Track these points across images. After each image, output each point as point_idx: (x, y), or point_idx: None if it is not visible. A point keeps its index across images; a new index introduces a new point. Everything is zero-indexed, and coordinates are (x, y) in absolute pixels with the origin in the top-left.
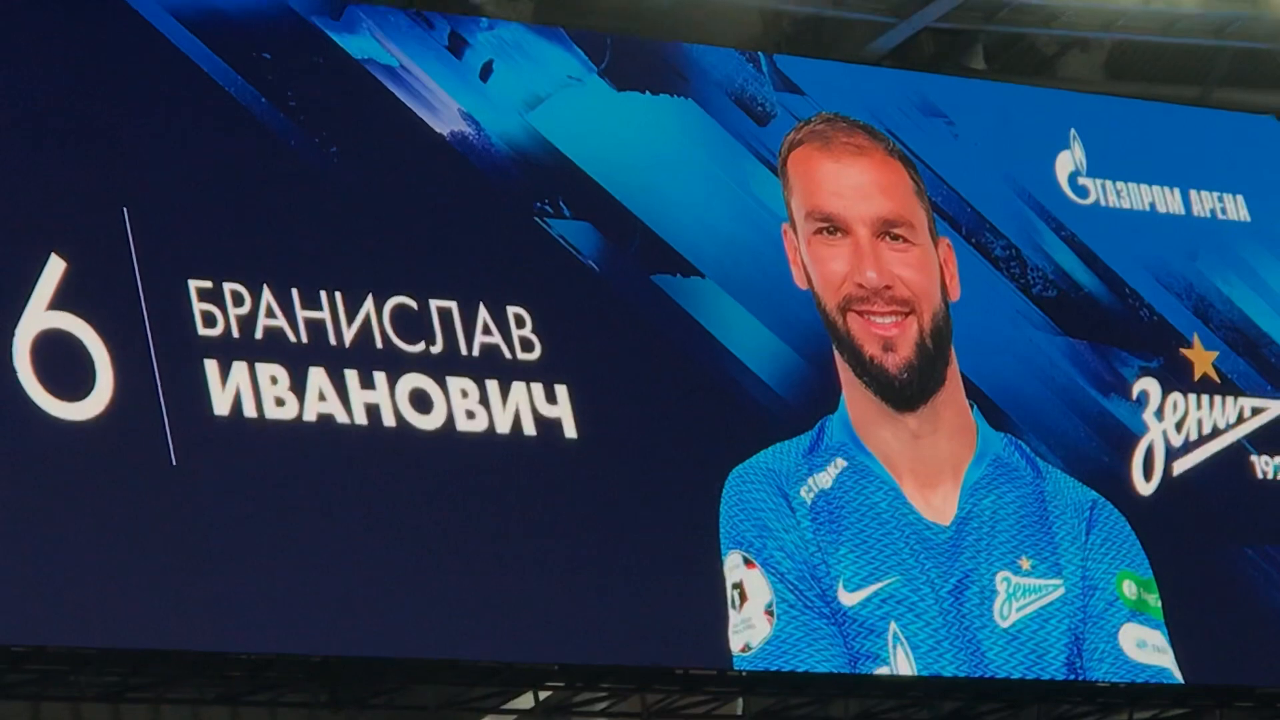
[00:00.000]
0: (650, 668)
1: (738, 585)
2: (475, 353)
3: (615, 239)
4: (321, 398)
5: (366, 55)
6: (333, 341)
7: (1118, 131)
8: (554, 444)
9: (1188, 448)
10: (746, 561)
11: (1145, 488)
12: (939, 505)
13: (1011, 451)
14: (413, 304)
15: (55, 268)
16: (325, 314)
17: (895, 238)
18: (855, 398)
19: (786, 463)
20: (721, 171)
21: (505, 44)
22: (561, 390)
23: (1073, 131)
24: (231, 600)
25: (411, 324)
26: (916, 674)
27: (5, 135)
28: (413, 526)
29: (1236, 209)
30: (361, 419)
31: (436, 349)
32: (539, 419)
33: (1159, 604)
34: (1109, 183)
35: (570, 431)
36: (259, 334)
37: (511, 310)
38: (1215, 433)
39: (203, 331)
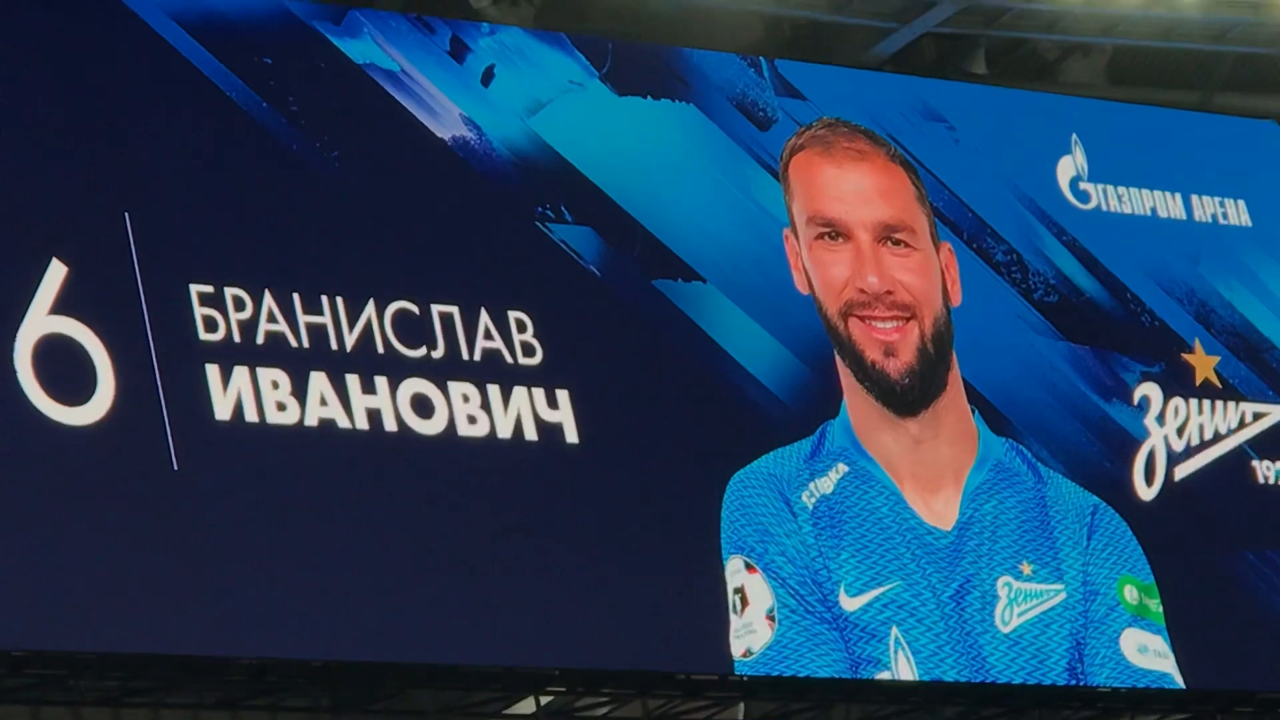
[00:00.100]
0: (651, 673)
1: (739, 590)
2: (477, 357)
3: (616, 244)
4: (323, 402)
5: (368, 60)
6: (334, 346)
7: (1119, 136)
8: (555, 449)
9: (1189, 453)
10: (748, 566)
11: (1147, 493)
12: (940, 510)
13: (1013, 456)
14: (414, 309)
15: (57, 272)
16: (327, 319)
17: (897, 243)
18: (856, 403)
19: (788, 468)
20: (723, 176)
21: (506, 49)
22: (563, 395)
23: (1074, 136)
24: (232, 605)
25: (413, 329)
26: (918, 679)
27: (7, 139)
28: (414, 531)
29: (1238, 214)
30: (363, 424)
31: (438, 354)
32: (540, 424)
33: (1160, 609)
34: (1110, 188)
35: (572, 436)
36: (260, 339)
37: (513, 315)
38: (1217, 438)
39: (204, 336)
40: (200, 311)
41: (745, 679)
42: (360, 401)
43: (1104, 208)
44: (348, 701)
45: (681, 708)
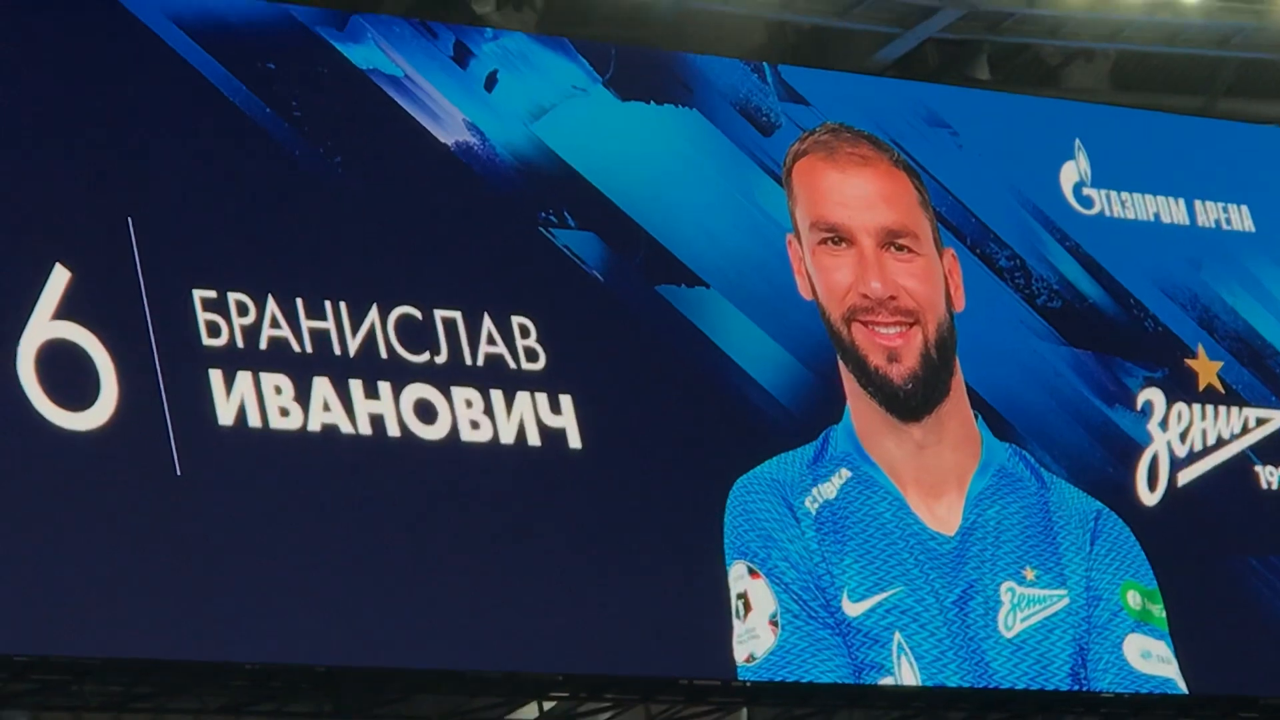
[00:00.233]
0: (654, 678)
1: (742, 595)
2: (480, 363)
3: (620, 249)
4: (326, 408)
5: (371, 65)
6: (337, 351)
7: (1122, 142)
8: (558, 454)
9: (1192, 458)
10: (751, 572)
11: (1150, 498)
12: (943, 515)
13: (1016, 462)
14: (417, 314)
15: (60, 277)
16: (330, 324)
17: (900, 248)
18: (860, 408)
19: (791, 473)
20: (726, 182)
21: (510, 54)
22: (566, 400)
23: (1077, 142)
24: (235, 610)
25: (416, 334)
26: (921, 684)
27: (9, 144)
28: (417, 537)
29: (1241, 219)
30: (366, 429)
31: (441, 359)
32: (543, 429)
33: (1163, 614)
34: (1114, 193)
35: (575, 441)
36: (263, 344)
37: (516, 320)
38: (1220, 443)
39: (207, 341)
40: (203, 316)
41: (748, 684)
42: (363, 407)
43: (1107, 213)
44: (351, 707)
45: (684, 713)
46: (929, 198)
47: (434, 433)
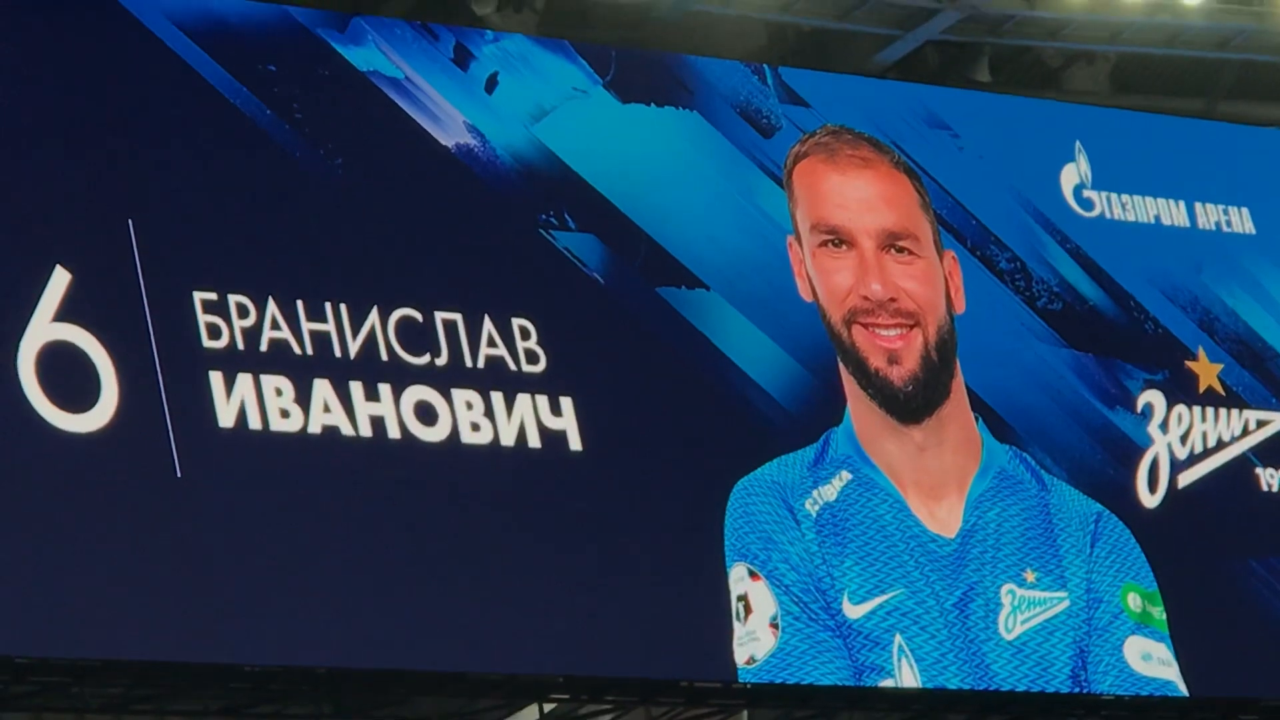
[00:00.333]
0: (655, 680)
1: (742, 598)
2: (480, 365)
3: (620, 251)
4: (326, 410)
5: (371, 67)
6: (337, 353)
7: (1123, 144)
8: (559, 456)
9: (1192, 460)
10: (751, 574)
11: (1150, 500)
12: (944, 518)
13: (1016, 464)
14: (418, 316)
15: (60, 279)
16: (330, 326)
17: (900, 250)
18: (860, 410)
19: (791, 475)
20: (726, 184)
21: (510, 56)
22: (566, 402)
23: (1078, 144)
24: (235, 612)
25: (416, 336)
26: (921, 686)
27: (10, 146)
28: (417, 539)
29: (1241, 222)
30: (366, 431)
31: (441, 361)
32: (544, 431)
33: (1164, 616)
34: (1114, 195)
35: (575, 443)
36: (264, 346)
37: (516, 322)
38: (1220, 445)
39: (207, 343)
40: (204, 318)
41: (749, 686)
42: (364, 409)
43: (1108, 215)
44: (351, 709)
45: (685, 715)
46: (929, 200)
47: (434, 435)
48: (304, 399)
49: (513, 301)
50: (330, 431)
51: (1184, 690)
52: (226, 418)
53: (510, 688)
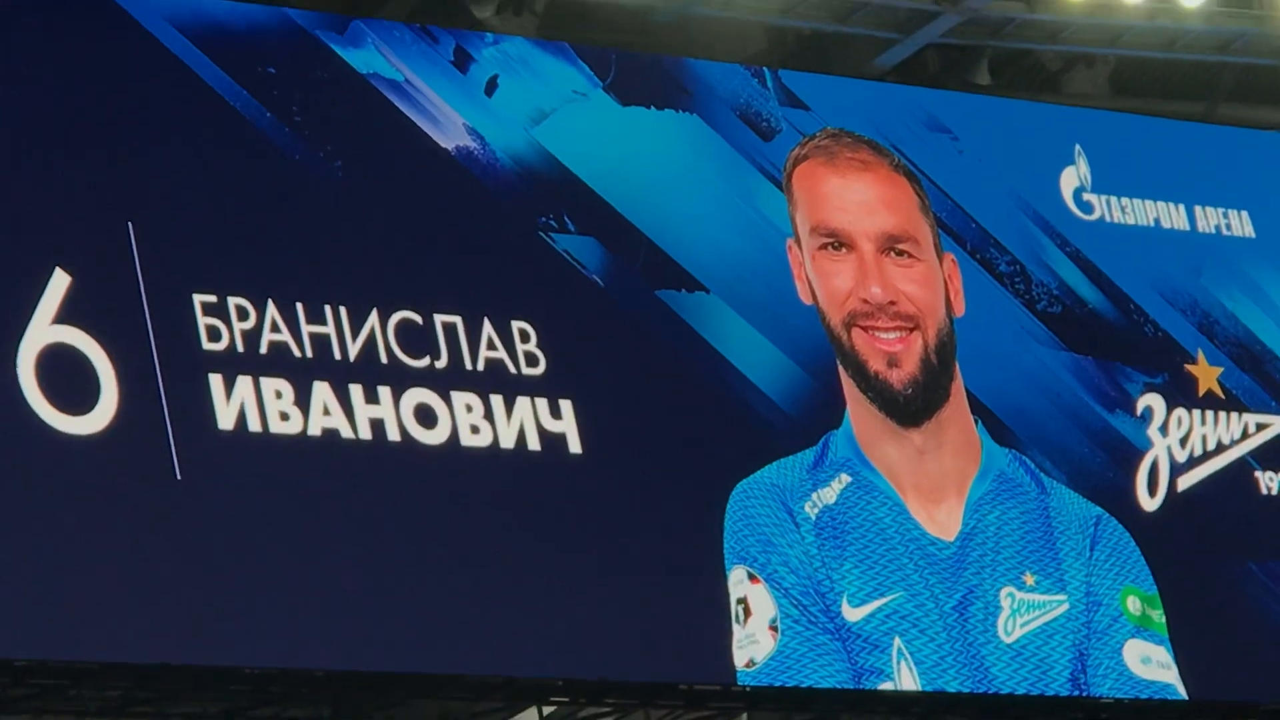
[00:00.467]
0: (654, 683)
1: (742, 600)
2: (480, 367)
3: (620, 254)
4: (326, 412)
5: (371, 70)
6: (337, 356)
7: (1122, 147)
8: (558, 459)
9: (1192, 463)
10: (750, 577)
11: (1150, 503)
12: (943, 521)
13: (1016, 467)
14: (417, 318)
15: (60, 281)
16: (330, 328)
17: (900, 253)
18: (859, 413)
19: (791, 478)
20: (726, 187)
21: (510, 59)
22: (566, 405)
23: (1077, 147)
24: (235, 614)
25: (416, 338)
26: (920, 690)
27: (9, 148)
28: (417, 541)
29: (1241, 225)
30: (366, 434)
31: (441, 364)
32: (543, 434)
33: (1163, 620)
34: (1114, 198)
35: (575, 446)
36: (264, 348)
37: (516, 325)
38: (1220, 448)
39: (207, 346)
40: (203, 321)
41: (748, 689)
42: (363, 411)
43: (1107, 218)
44: (351, 711)
45: (684, 718)
46: (929, 203)
47: (434, 437)
48: (304, 401)
49: (512, 304)
50: (330, 434)
51: (1183, 693)
52: (226, 420)
53: (510, 690)
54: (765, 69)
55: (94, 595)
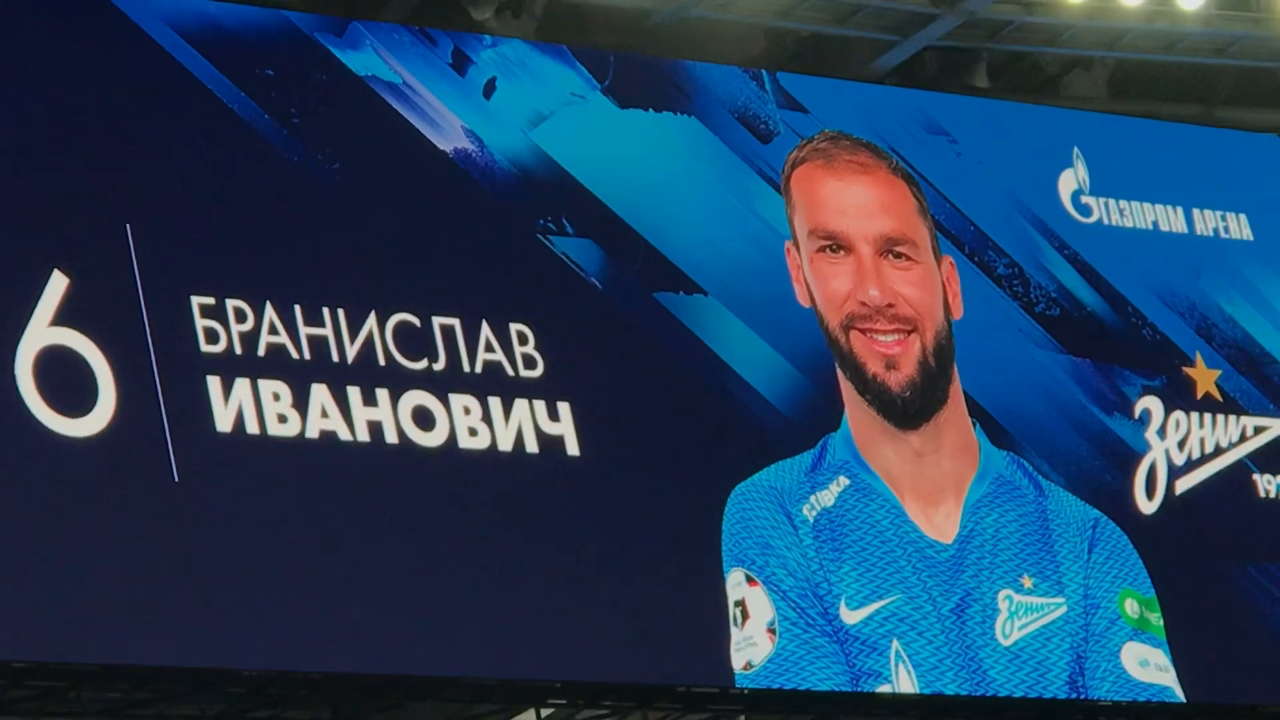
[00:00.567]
0: (652, 685)
1: (740, 603)
2: (478, 370)
3: (618, 256)
4: (324, 414)
5: (370, 72)
6: (335, 358)
7: (1120, 150)
8: (556, 461)
9: (1190, 466)
10: (749, 579)
11: (1148, 506)
12: (941, 523)
13: (1014, 469)
14: (415, 321)
15: (58, 284)
16: (328, 330)
17: (898, 256)
18: (858, 415)
19: (789, 480)
20: (725, 189)
21: (508, 61)
22: (564, 407)
23: (1075, 150)
24: (233, 617)
25: (414, 341)
26: (918, 692)
27: (8, 150)
28: (414, 543)
29: (1239, 228)
30: (364, 436)
31: (439, 366)
32: (541, 436)
33: (1161, 622)
34: (1112, 201)
35: (573, 449)
36: (262, 350)
37: (514, 327)
38: (1218, 451)
39: (205, 348)
40: (201, 323)
41: (746, 691)
42: (361, 413)
43: (1105, 221)
44: (349, 714)
45: None
46: (927, 205)
47: (432, 440)
48: (302, 404)
49: (511, 306)
50: (328, 436)
51: (1181, 696)
52: (224, 422)
53: (507, 692)
54: (763, 71)
55: (92, 598)
